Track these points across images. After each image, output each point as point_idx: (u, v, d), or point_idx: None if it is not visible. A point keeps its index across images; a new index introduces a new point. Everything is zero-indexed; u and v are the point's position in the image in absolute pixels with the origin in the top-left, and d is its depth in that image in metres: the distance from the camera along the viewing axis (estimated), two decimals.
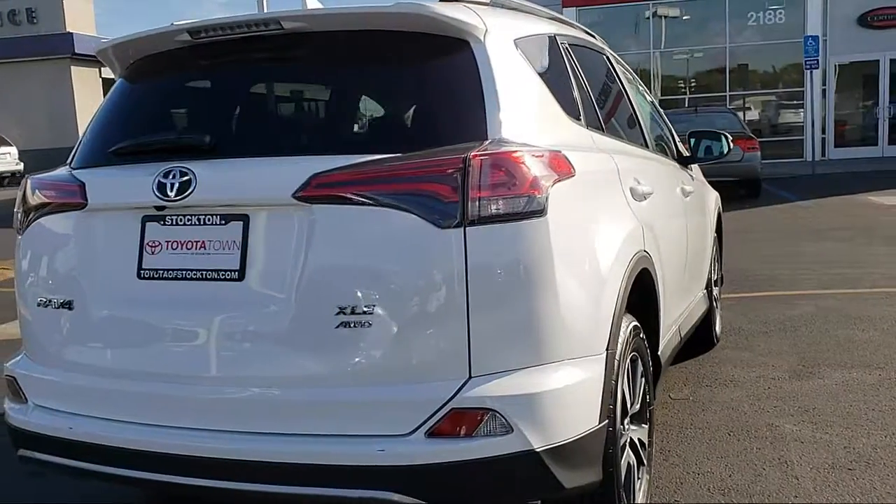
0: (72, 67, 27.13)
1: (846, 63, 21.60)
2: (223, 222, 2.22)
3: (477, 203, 2.04)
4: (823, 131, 21.39)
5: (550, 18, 3.06)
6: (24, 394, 2.55)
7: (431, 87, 2.28)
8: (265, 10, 17.25)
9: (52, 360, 2.48)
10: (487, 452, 2.04)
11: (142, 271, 2.31)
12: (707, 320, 4.74)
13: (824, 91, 21.32)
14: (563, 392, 2.13)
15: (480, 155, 2.07)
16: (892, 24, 21.04)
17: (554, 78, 2.63)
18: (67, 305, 2.40)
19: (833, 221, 10.84)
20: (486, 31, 2.32)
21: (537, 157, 2.16)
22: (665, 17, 22.18)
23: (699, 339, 4.72)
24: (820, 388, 4.21)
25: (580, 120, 2.70)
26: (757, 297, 6.49)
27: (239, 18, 2.35)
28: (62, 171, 2.61)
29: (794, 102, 22.37)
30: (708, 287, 4.72)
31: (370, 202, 2.08)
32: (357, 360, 2.10)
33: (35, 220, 2.53)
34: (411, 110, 2.30)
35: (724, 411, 3.95)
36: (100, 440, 2.31)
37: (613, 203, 2.67)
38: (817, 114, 20.37)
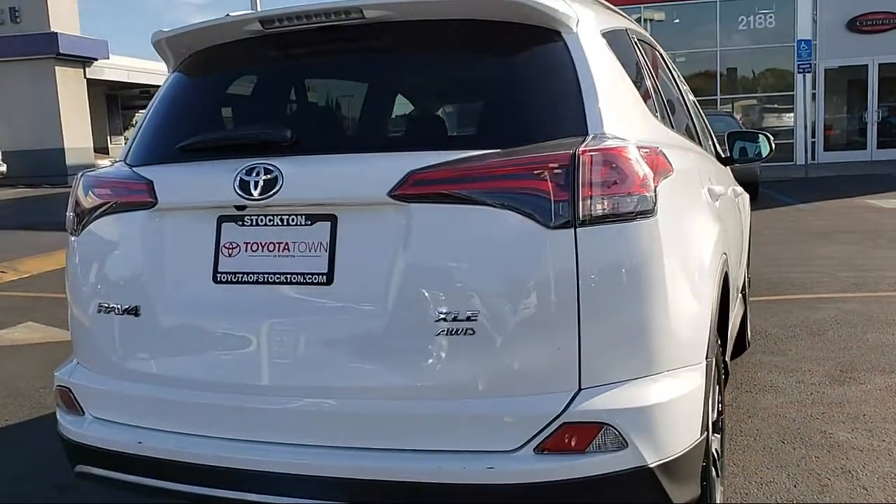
0: (56, 67, 26.67)
1: (835, 67, 21.77)
2: (309, 223, 2.09)
3: (588, 202, 1.93)
4: (813, 135, 21.51)
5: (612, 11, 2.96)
6: (81, 405, 2.40)
7: (525, 79, 2.16)
8: (258, 9, 17.08)
9: (114, 370, 2.33)
10: (600, 469, 1.92)
11: (218, 275, 2.17)
12: (742, 323, 4.67)
13: (814, 95, 21.46)
14: (675, 404, 2.02)
15: (590, 150, 1.96)
16: (880, 28, 21.22)
17: (633, 72, 2.53)
18: (134, 311, 2.25)
19: (837, 225, 10.84)
20: (578, 21, 2.21)
21: (644, 153, 2.05)
22: (651, 20, 22.22)
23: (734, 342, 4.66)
24: (865, 394, 4.14)
25: (657, 116, 2.60)
26: (776, 301, 6.43)
27: (317, 7, 2.22)
28: (120, 169, 2.47)
29: (784, 106, 22.51)
30: (744, 290, 4.65)
31: (473, 201, 1.96)
32: (459, 370, 1.97)
33: (94, 220, 2.38)
34: (505, 103, 2.17)
35: (771, 418, 3.87)
36: (173, 455, 2.17)
37: (701, 203, 2.57)
38: (808, 117, 20.49)
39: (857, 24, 21.22)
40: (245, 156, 2.15)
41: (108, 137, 37.06)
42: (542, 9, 2.13)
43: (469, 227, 1.97)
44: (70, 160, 27.22)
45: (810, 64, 18.54)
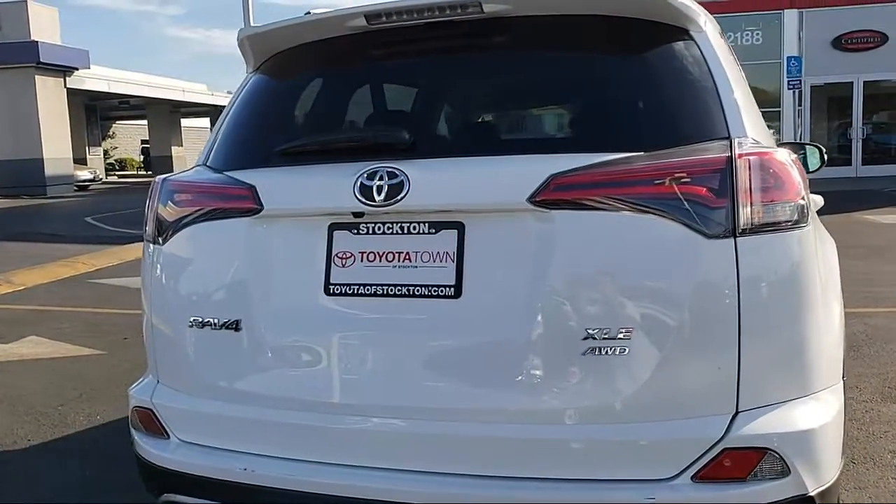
0: (36, 76, 26.29)
1: (821, 84, 21.98)
2: (433, 231, 1.93)
3: (749, 209, 1.78)
4: None
5: None
6: (165, 428, 2.21)
7: (661, 78, 2.02)
8: (251, 21, 16.89)
9: (208, 390, 2.14)
10: (763, 498, 1.77)
11: (330, 286, 2.00)
12: None
13: (800, 111, 21.66)
14: (829, 426, 1.87)
15: (747, 155, 1.82)
16: (865, 46, 21.49)
17: (742, 75, 2.41)
18: (233, 326, 2.07)
19: (840, 240, 10.71)
20: (706, 19, 2.09)
21: (793, 159, 1.92)
22: None
23: None
24: None
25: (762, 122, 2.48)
26: None
27: (429, 2, 2.07)
28: (205, 173, 2.29)
29: (770, 123, 22.61)
30: None
31: (620, 207, 1.81)
32: (608, 392, 1.81)
33: (183, 227, 2.19)
34: (641, 104, 2.03)
35: None
36: (281, 483, 1.98)
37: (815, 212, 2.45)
38: (794, 134, 20.65)
39: (843, 42, 21.46)
40: (359, 159, 1.99)
41: (87, 148, 36.63)
42: (676, 5, 2.01)
43: (618, 235, 1.82)
44: (49, 171, 26.81)
45: (800, 81, 18.69)
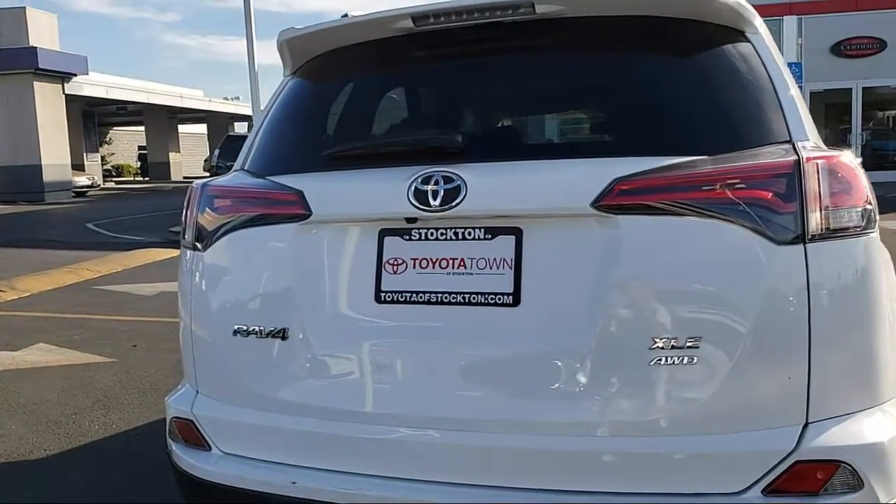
0: (34, 83, 26.20)
1: (820, 90, 22.02)
2: (489, 237, 1.88)
3: (818, 214, 1.74)
4: None
5: None
6: (207, 439, 2.15)
7: (719, 81, 1.98)
8: (253, 28, 16.84)
9: (252, 400, 2.08)
10: None
11: (381, 294, 1.95)
12: None
13: None
14: None
15: (815, 158, 1.77)
16: (864, 53, 21.55)
17: None
18: (280, 334, 2.02)
19: None
20: (760, 21, 2.06)
21: (859, 163, 1.88)
22: None
23: None
24: None
25: None
26: None
27: (480, 2, 2.03)
28: (245, 178, 2.24)
29: None
30: None
31: (686, 212, 1.75)
32: (676, 403, 1.76)
33: (226, 233, 2.13)
34: (701, 106, 1.98)
35: None
36: (333, 497, 1.92)
37: None
38: None
39: (842, 49, 21.53)
40: (410, 163, 1.94)
41: (84, 154, 36.52)
42: (735, 7, 1.97)
43: (684, 241, 1.76)
44: (47, 177, 26.73)
45: (802, 86, 18.74)
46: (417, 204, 1.88)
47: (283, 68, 2.46)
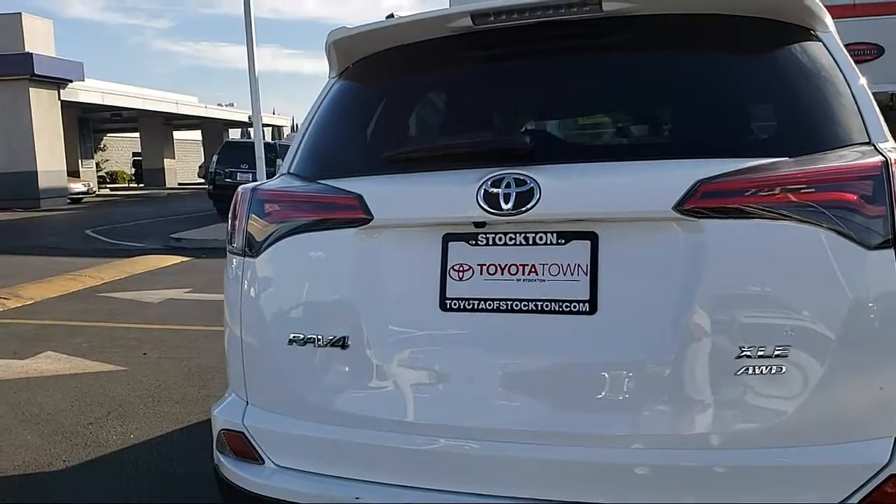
0: (30, 89, 26.06)
1: None
2: (562, 241, 1.81)
3: None
4: None
5: None
6: (260, 452, 2.07)
7: (795, 80, 1.92)
8: (253, 34, 16.78)
9: (310, 411, 2.00)
10: None
11: (447, 301, 1.87)
12: None
13: None
14: None
15: None
16: (861, 59, 21.48)
17: None
18: (340, 343, 1.94)
19: None
20: (830, 19, 2.00)
21: None
22: None
23: None
24: None
25: None
26: None
27: (543, 0, 1.97)
28: (299, 182, 2.16)
29: None
30: None
31: (773, 215, 1.69)
32: (764, 415, 1.69)
33: (280, 239, 2.06)
34: (778, 107, 1.92)
35: None
36: None
37: None
38: None
39: None
40: (476, 166, 1.87)
41: (80, 160, 36.35)
42: (810, 4, 1.91)
43: (770, 245, 1.69)
44: (43, 183, 26.58)
45: None
46: (488, 207, 1.81)
47: (328, 70, 2.39)
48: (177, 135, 48.02)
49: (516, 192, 1.79)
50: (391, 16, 2.40)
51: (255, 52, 17.29)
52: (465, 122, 2.22)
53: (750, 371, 1.67)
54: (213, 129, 47.99)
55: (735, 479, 1.71)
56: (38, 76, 26.05)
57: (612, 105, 2.21)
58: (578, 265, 1.79)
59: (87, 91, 30.23)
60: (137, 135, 45.55)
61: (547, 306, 1.80)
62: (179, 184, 45.67)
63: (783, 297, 1.70)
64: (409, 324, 1.92)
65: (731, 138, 1.90)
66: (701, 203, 1.71)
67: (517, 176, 1.81)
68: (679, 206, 1.71)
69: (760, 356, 1.66)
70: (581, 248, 1.79)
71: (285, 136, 55.71)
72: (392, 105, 2.24)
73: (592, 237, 1.79)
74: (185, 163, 51.23)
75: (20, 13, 26.51)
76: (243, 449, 2.11)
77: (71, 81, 28.09)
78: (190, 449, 4.07)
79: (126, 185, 46.10)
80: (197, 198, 30.82)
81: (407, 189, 1.98)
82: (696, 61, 2.03)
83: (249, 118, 46.77)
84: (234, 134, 51.44)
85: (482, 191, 1.82)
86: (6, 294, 8.52)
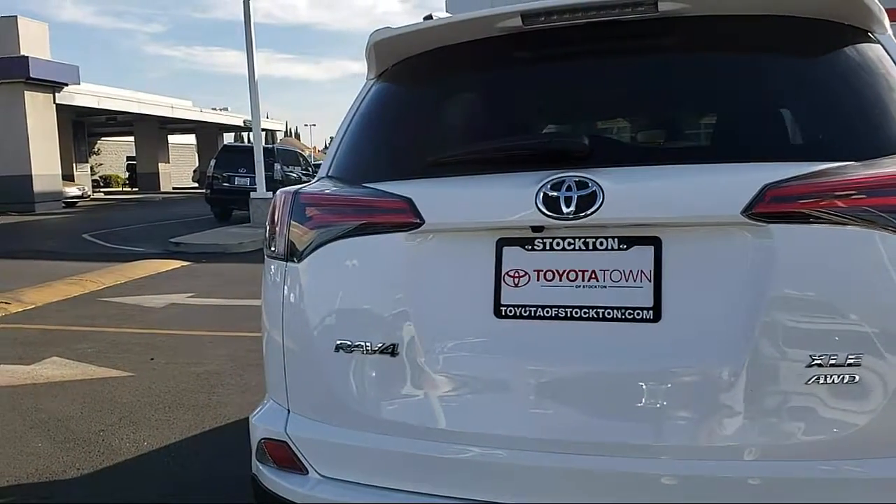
0: (25, 92, 25.91)
1: None
2: (623, 247, 1.76)
3: None
4: None
5: None
6: (304, 462, 2.01)
7: (857, 82, 1.88)
8: (253, 40, 16.74)
9: (357, 420, 1.95)
10: None
11: (501, 308, 1.82)
12: None
13: None
14: None
15: None
16: None
17: None
18: (389, 351, 1.89)
19: None
20: (888, 20, 1.97)
21: None
22: None
23: None
24: None
25: None
26: None
27: (596, 0, 1.93)
28: (341, 185, 2.12)
29: None
30: None
31: (844, 220, 1.64)
32: (837, 425, 1.64)
33: (325, 244, 2.00)
34: (839, 110, 1.87)
35: None
36: None
37: None
38: None
39: None
40: (530, 169, 1.82)
41: (74, 164, 36.19)
42: (870, 5, 1.88)
43: (841, 250, 1.65)
44: (38, 187, 26.42)
45: None
46: (547, 211, 1.76)
47: (367, 71, 2.34)
48: (171, 139, 47.87)
49: (578, 196, 1.74)
50: (429, 17, 2.35)
51: (255, 58, 17.33)
52: (514, 125, 2.17)
53: (822, 380, 1.62)
54: (207, 133, 47.86)
55: (803, 492, 1.66)
56: (34, 79, 25.90)
57: (670, 108, 2.15)
58: (641, 271, 1.74)
59: (83, 95, 30.10)
60: (131, 139, 45.36)
61: (608, 314, 1.75)
62: (174, 188, 45.50)
63: (855, 304, 1.65)
64: (462, 331, 1.87)
65: (797, 141, 1.86)
66: (769, 207, 1.66)
67: (579, 179, 1.76)
68: (747, 211, 1.67)
69: (832, 365, 1.61)
70: (644, 254, 1.75)
71: (278, 139, 55.56)
72: (438, 107, 2.19)
73: (655, 242, 1.75)
74: (179, 167, 51.05)
75: (16, 16, 26.37)
76: (286, 458, 2.05)
77: (66, 85, 27.95)
78: (206, 456, 4.01)
79: (120, 189, 45.89)
80: (192, 202, 30.72)
81: (459, 192, 1.92)
82: (756, 63, 1.98)
83: (245, 122, 46.63)
84: (229, 138, 51.33)
85: (541, 194, 1.77)
86: (8, 298, 8.43)
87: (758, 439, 1.67)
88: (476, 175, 1.93)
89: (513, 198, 1.80)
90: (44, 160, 26.67)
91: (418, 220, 1.89)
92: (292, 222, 2.07)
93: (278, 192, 2.21)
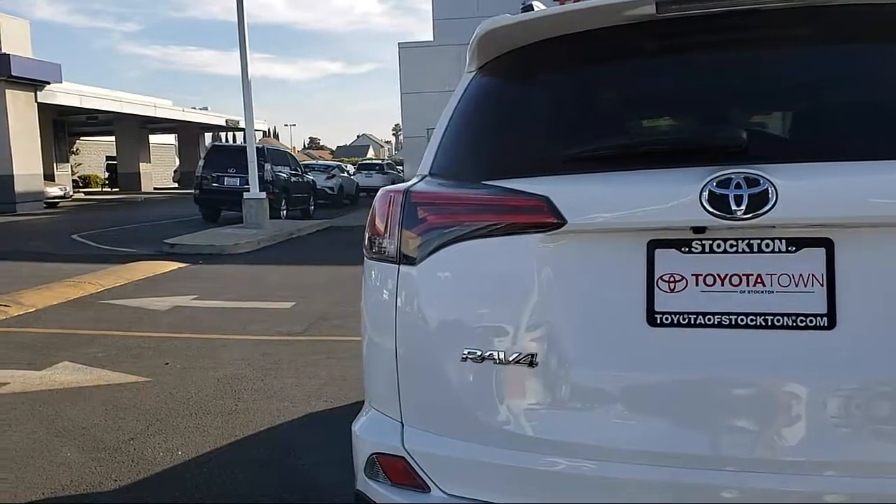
0: (7, 90, 25.41)
1: None
2: (792, 249, 1.63)
3: None
4: None
5: None
6: (425, 479, 1.87)
7: None
8: (246, 40, 16.53)
9: (488, 435, 1.81)
10: None
11: (656, 315, 1.69)
12: None
13: None
14: None
15: None
16: None
17: None
18: (527, 361, 1.75)
19: None
20: None
21: None
22: None
23: None
24: None
25: None
26: None
27: None
28: (450, 183, 1.98)
29: None
30: None
31: None
32: None
33: (445, 246, 1.86)
34: None
35: None
36: None
37: None
38: None
39: None
40: (690, 164, 1.69)
41: (55, 164, 35.60)
42: None
43: None
44: (19, 187, 25.94)
45: None
46: (715, 210, 1.63)
47: (468, 63, 2.20)
48: (152, 139, 47.25)
49: (749, 194, 1.61)
50: (529, 7, 2.21)
51: (248, 58, 17.12)
52: (657, 119, 2.04)
53: None
54: (188, 133, 47.32)
55: None
56: (16, 77, 25.41)
57: (832, 101, 2.02)
58: (812, 275, 1.62)
59: (65, 93, 29.58)
60: (111, 138, 44.68)
61: (778, 321, 1.62)
62: (155, 188, 44.90)
63: None
64: (612, 341, 1.73)
65: None
66: None
67: (750, 175, 1.63)
68: None
69: None
70: (815, 256, 1.62)
71: (257, 139, 54.98)
72: (563, 100, 2.03)
73: (827, 244, 1.62)
74: (159, 167, 50.39)
75: None
76: (403, 475, 1.90)
77: (48, 83, 27.46)
78: (249, 465, 3.84)
79: (100, 189, 45.22)
80: (176, 202, 30.35)
81: (604, 190, 1.77)
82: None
83: (227, 122, 46.06)
84: (209, 138, 50.81)
85: (707, 192, 1.64)
86: (6, 301, 8.18)
87: None
88: (622, 172, 1.79)
89: (672, 196, 1.67)
90: (25, 160, 26.17)
91: (558, 221, 1.75)
92: (405, 223, 1.93)
93: (382, 190, 2.07)
